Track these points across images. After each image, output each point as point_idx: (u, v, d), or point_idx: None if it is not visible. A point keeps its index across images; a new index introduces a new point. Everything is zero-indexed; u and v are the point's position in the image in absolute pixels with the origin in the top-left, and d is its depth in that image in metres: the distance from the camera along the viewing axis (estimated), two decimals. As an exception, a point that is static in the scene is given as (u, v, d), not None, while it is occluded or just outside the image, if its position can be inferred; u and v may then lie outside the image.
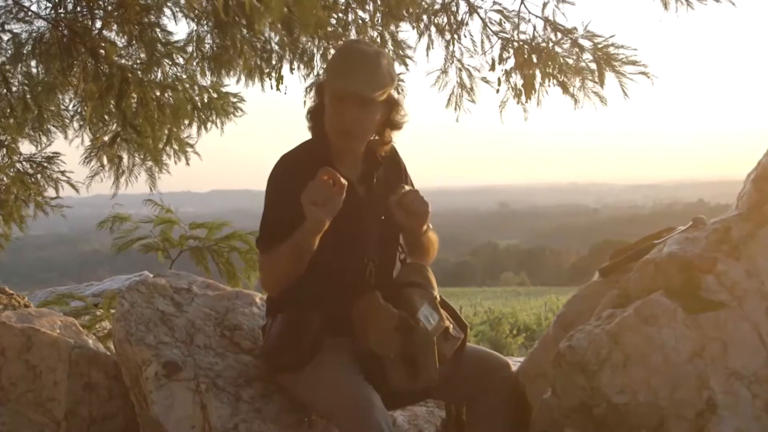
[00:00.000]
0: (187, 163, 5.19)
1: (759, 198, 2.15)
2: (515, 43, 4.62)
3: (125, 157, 5.10)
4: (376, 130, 2.26)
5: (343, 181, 2.00)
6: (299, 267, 2.13)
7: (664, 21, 4.53)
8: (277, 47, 4.63)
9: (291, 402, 2.27)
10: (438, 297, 2.23)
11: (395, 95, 2.26)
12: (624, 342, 1.94)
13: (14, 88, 4.77)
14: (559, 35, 4.52)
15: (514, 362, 2.43)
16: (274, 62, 4.67)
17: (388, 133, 2.29)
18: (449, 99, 4.88)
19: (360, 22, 4.64)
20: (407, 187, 2.20)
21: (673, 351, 1.89)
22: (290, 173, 2.19)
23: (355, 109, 2.14)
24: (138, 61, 4.55)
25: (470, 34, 4.77)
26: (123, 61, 4.45)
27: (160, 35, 4.37)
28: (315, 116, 2.27)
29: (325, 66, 2.41)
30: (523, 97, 4.62)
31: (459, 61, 4.85)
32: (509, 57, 4.66)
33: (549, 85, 4.61)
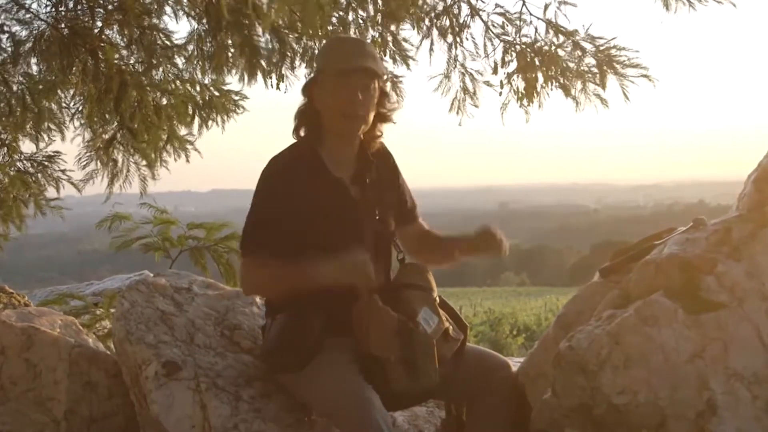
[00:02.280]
0: (188, 161, 5.18)
1: (759, 199, 2.15)
2: (517, 46, 4.61)
3: (120, 160, 5.10)
4: (368, 122, 2.26)
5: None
6: (292, 293, 2.13)
7: (665, 21, 4.53)
8: (279, 46, 4.62)
9: (291, 401, 2.27)
10: (437, 298, 2.23)
11: (385, 87, 2.28)
12: (624, 342, 1.94)
13: (14, 88, 4.77)
14: (561, 38, 4.51)
15: (514, 362, 2.42)
16: (275, 60, 4.66)
17: (378, 126, 2.30)
18: (452, 103, 4.88)
19: (361, 22, 4.63)
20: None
21: (673, 351, 1.89)
22: (280, 176, 2.19)
23: (360, 87, 2.16)
24: (139, 60, 4.55)
25: (472, 37, 4.77)
26: (122, 62, 4.44)
27: (160, 37, 4.37)
28: (305, 117, 2.27)
29: (317, 62, 2.42)
30: (525, 100, 4.62)
31: (462, 65, 4.84)
32: (512, 60, 4.65)
33: (551, 88, 4.61)
